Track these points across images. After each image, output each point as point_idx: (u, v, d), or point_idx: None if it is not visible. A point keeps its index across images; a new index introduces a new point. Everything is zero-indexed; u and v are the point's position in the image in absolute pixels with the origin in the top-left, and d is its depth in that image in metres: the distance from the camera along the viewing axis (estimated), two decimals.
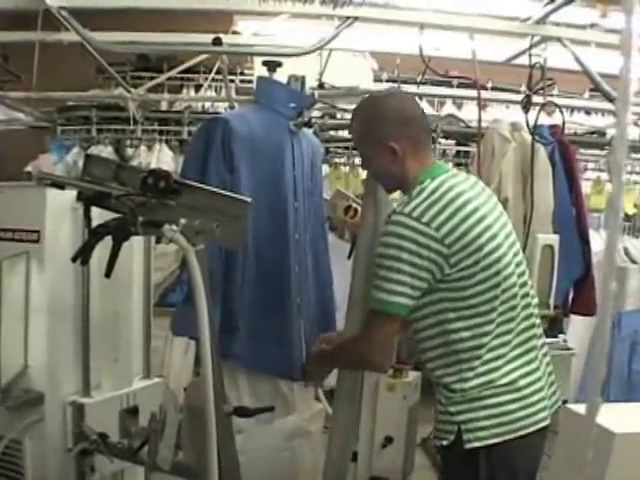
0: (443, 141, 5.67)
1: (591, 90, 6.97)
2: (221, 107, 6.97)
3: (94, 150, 5.78)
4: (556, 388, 2.63)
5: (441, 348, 2.49)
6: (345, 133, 6.23)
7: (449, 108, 7.53)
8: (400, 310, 2.40)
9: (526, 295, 2.55)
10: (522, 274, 2.56)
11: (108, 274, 2.24)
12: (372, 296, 2.46)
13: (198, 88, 7.65)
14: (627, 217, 5.74)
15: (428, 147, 2.62)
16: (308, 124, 3.09)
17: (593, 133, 6.42)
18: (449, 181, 2.46)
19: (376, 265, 2.44)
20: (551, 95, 5.15)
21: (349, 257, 3.83)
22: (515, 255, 2.53)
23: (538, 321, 2.60)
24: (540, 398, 2.51)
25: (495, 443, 2.42)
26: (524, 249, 3.68)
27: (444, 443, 2.48)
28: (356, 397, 2.76)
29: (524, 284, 2.55)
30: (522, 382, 2.47)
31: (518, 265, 2.53)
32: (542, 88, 4.09)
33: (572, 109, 7.01)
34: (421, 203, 2.39)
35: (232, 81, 7.01)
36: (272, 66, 3.25)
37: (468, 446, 2.42)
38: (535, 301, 2.60)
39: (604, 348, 1.32)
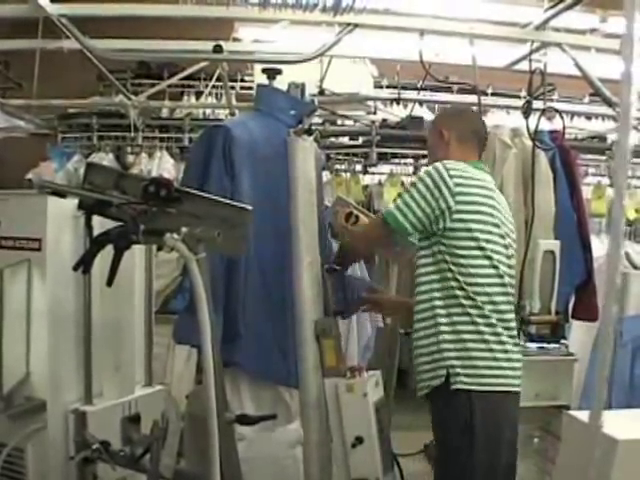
0: None
1: (591, 95, 6.98)
2: (222, 114, 6.97)
3: (95, 157, 5.76)
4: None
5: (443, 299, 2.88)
6: (346, 139, 6.22)
7: None
8: (395, 223, 2.87)
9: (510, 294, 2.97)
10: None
11: (110, 283, 2.24)
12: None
13: (199, 95, 7.65)
14: (628, 222, 5.72)
15: (473, 148, 3.10)
16: (308, 131, 3.09)
17: (594, 138, 6.41)
18: (481, 175, 2.96)
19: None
20: (551, 100, 5.15)
21: None
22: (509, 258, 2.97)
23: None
24: (514, 366, 2.89)
25: (481, 391, 2.78)
26: (525, 255, 3.69)
27: (434, 384, 2.84)
28: (322, 405, 2.85)
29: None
30: (506, 343, 2.86)
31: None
32: (542, 93, 4.09)
33: (572, 114, 7.01)
34: (458, 167, 2.88)
35: (232, 88, 7.01)
36: (271, 74, 3.25)
37: (453, 387, 2.79)
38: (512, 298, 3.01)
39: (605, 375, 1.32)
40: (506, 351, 2.84)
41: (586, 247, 4.33)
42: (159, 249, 3.18)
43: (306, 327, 2.86)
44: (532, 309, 3.74)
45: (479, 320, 2.80)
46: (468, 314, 2.81)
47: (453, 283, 2.83)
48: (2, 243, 2.87)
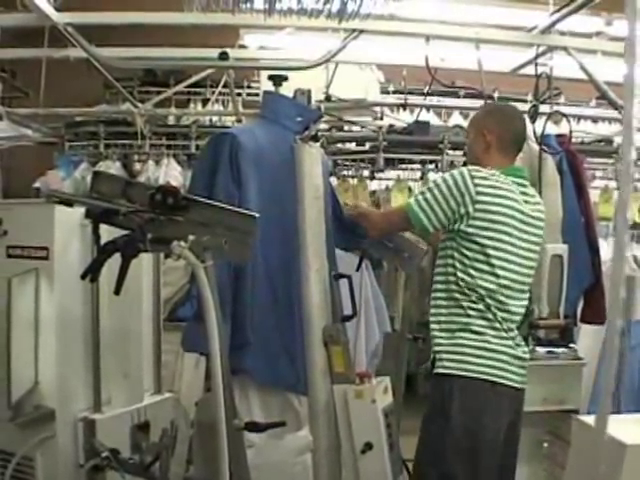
0: (451, 152, 5.64)
1: (597, 98, 6.96)
2: (228, 121, 6.97)
3: (102, 165, 5.77)
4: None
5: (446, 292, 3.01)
6: (352, 145, 6.22)
7: (456, 119, 7.52)
8: (418, 222, 2.99)
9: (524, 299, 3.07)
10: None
11: (117, 291, 2.24)
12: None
13: (205, 102, 7.66)
14: (635, 225, 5.70)
15: (512, 153, 3.14)
16: (315, 137, 3.09)
17: (600, 141, 6.41)
18: (506, 184, 2.96)
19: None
20: (558, 104, 5.14)
21: (357, 269, 3.84)
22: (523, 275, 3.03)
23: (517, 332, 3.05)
24: (512, 362, 2.95)
25: (464, 376, 2.87)
26: None
27: (428, 366, 3.02)
28: (331, 412, 2.86)
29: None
30: (507, 339, 2.96)
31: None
32: (549, 97, 4.09)
33: (579, 118, 7.00)
34: (483, 176, 2.93)
35: (239, 95, 7.02)
36: (278, 80, 3.25)
37: (435, 371, 2.94)
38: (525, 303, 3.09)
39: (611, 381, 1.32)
40: (507, 346, 2.95)
41: (594, 250, 4.32)
42: (166, 257, 3.19)
43: (314, 333, 2.87)
44: (540, 313, 3.73)
45: (472, 313, 2.92)
46: (461, 307, 2.94)
47: (452, 277, 2.97)
48: (10, 252, 2.87)
